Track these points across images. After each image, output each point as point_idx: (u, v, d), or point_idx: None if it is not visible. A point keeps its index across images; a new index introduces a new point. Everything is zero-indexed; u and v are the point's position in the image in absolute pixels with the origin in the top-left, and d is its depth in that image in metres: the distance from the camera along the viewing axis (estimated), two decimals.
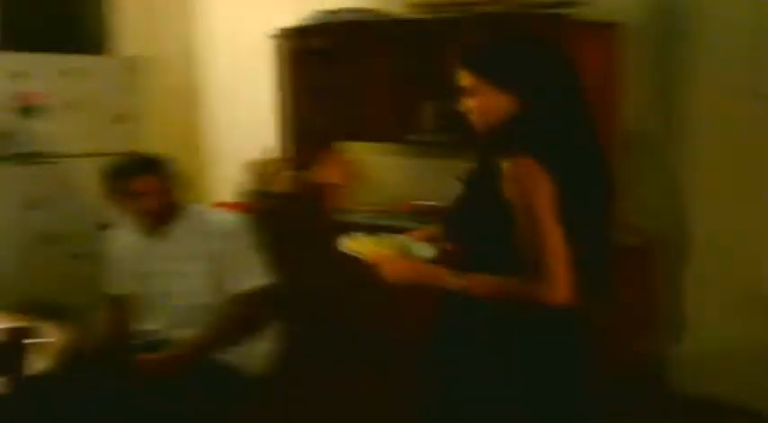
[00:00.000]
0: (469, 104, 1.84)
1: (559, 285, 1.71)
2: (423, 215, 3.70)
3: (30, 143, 3.84)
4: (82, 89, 3.99)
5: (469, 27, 3.34)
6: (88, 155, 3.86)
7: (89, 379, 2.41)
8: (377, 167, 4.28)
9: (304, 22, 4.02)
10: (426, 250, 1.97)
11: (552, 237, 1.70)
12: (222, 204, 4.15)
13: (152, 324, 2.66)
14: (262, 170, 4.15)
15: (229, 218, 2.75)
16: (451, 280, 1.81)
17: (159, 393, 2.34)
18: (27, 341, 2.22)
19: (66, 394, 2.34)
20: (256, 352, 2.67)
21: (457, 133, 2.47)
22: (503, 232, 1.75)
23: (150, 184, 2.56)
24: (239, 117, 4.75)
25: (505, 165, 1.73)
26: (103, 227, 3.20)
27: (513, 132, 1.78)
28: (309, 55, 4.03)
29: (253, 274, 2.63)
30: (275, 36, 4.11)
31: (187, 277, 2.60)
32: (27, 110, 3.74)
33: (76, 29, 4.56)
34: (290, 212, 4.01)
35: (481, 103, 1.81)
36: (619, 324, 3.00)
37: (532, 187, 1.70)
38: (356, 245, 1.96)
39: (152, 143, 4.36)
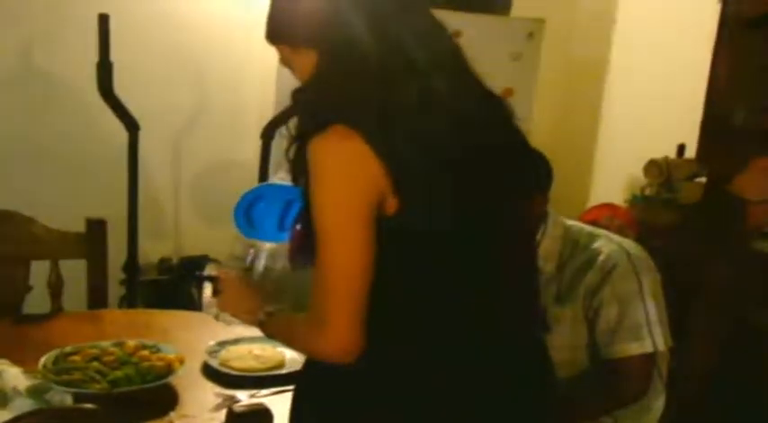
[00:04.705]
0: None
1: (330, 333, 1.20)
2: None
3: None
4: (471, 54, 3.43)
5: None
6: None
7: None
8: None
9: None
10: None
11: (332, 258, 1.20)
12: (604, 207, 3.44)
13: None
14: (667, 173, 3.31)
15: (620, 247, 1.90)
16: (253, 317, 1.44)
17: None
18: None
19: None
20: None
21: None
22: None
23: None
24: (651, 102, 3.89)
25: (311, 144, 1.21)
26: None
27: (316, 96, 1.29)
28: (760, 24, 3.08)
29: (640, 334, 1.84)
30: None
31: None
32: None
33: None
34: (694, 233, 3.14)
35: (299, 74, 1.34)
36: None
37: (325, 171, 1.20)
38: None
39: (540, 125, 3.80)
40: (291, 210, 1.79)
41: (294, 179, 1.32)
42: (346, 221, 1.19)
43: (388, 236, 1.21)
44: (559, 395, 1.54)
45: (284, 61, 1.40)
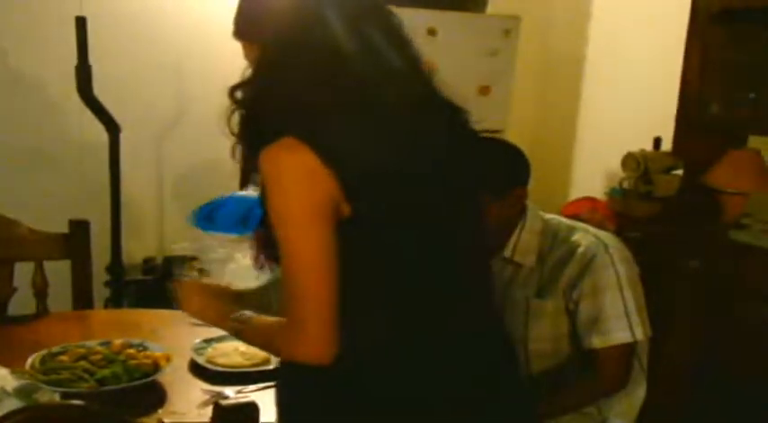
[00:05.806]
0: None
1: (306, 338, 1.23)
2: None
3: None
4: (447, 52, 3.47)
5: None
6: None
7: None
8: None
9: None
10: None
11: (297, 266, 1.22)
12: (585, 201, 3.48)
13: None
14: (644, 166, 3.35)
15: (597, 239, 1.92)
16: (228, 323, 1.44)
17: None
18: None
19: None
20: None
21: None
22: None
23: None
24: (627, 96, 3.94)
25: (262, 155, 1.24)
26: None
27: (261, 95, 1.31)
28: (730, 17, 3.12)
29: (619, 324, 1.86)
30: None
31: (527, 314, 1.94)
32: None
33: None
34: (672, 225, 3.18)
35: None
36: None
37: (277, 185, 1.22)
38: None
39: (518, 121, 3.84)
40: (254, 211, 1.80)
41: (244, 177, 1.36)
42: (305, 232, 1.21)
43: (347, 239, 1.24)
44: (542, 386, 1.57)
45: (248, 58, 1.42)
